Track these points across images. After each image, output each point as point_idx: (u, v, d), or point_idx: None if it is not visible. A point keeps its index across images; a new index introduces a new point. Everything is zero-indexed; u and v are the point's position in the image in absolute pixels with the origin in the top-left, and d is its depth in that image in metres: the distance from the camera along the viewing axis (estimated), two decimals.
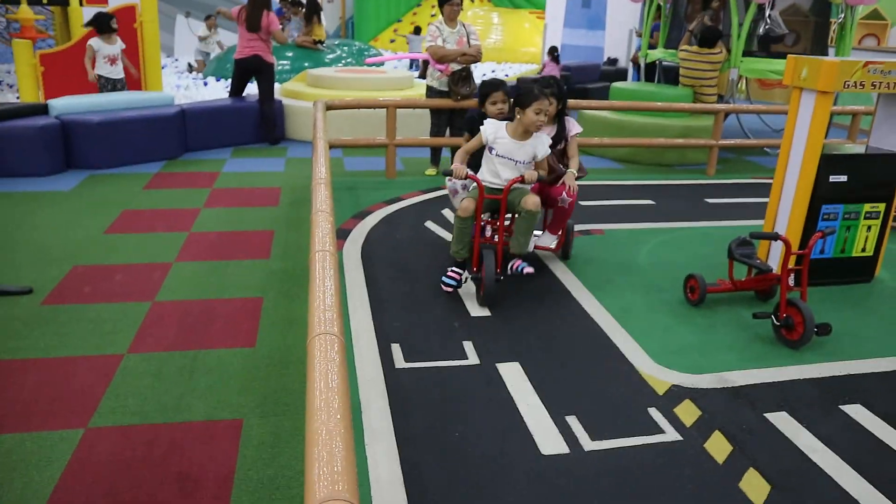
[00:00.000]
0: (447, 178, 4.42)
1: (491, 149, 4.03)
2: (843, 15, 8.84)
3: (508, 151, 4.00)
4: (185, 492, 2.38)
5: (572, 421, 2.88)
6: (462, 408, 2.94)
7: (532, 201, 3.96)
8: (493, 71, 13.99)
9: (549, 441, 2.74)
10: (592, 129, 8.27)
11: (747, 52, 8.57)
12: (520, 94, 3.90)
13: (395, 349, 3.41)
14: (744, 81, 11.69)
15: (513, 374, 3.22)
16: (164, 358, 3.30)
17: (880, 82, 4.25)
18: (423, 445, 2.67)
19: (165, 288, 4.11)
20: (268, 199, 6.03)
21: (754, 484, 2.56)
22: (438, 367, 3.26)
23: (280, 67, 11.78)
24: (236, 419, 2.82)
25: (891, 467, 2.71)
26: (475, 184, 4.06)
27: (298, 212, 5.66)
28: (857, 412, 3.08)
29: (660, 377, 3.27)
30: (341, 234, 5.08)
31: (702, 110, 7.78)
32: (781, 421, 2.97)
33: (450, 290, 4.07)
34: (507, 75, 13.27)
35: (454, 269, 4.08)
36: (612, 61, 15.15)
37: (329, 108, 6.46)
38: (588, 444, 2.73)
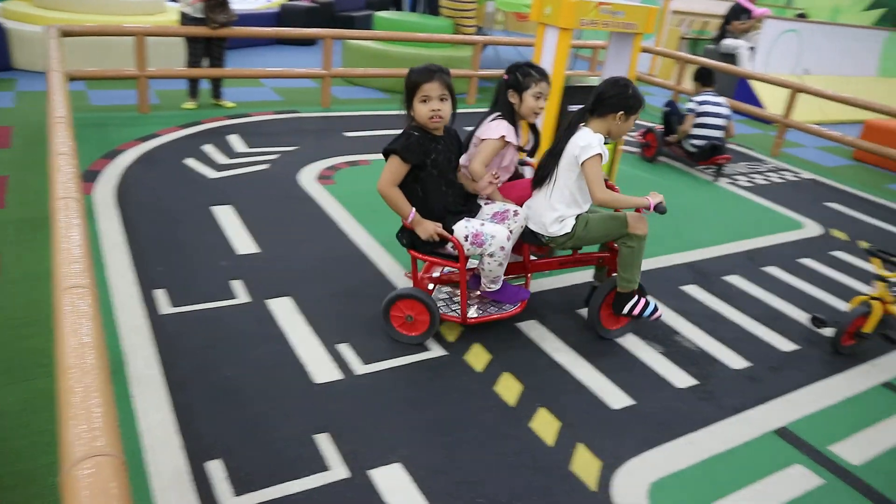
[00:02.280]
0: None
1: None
2: None
3: None
4: None
5: (344, 348, 3.01)
6: (234, 347, 2.94)
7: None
8: None
9: (321, 370, 2.85)
10: (356, 60, 8.27)
11: None
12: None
13: (160, 295, 3.28)
14: (501, 14, 12.30)
15: (284, 310, 3.26)
16: None
17: (609, 21, 4.73)
18: (196, 389, 2.65)
19: None
20: None
21: (508, 385, 2.89)
22: (207, 309, 3.20)
23: None
24: None
25: (617, 358, 3.20)
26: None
27: (36, 153, 5.07)
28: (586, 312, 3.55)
29: None
30: (90, 177, 4.67)
31: (462, 41, 8.09)
32: (532, 328, 3.36)
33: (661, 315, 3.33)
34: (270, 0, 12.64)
35: (640, 298, 3.25)
36: None
37: (66, 34, 5.77)
38: (360, 368, 2.89)
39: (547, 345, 3.23)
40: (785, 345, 3.53)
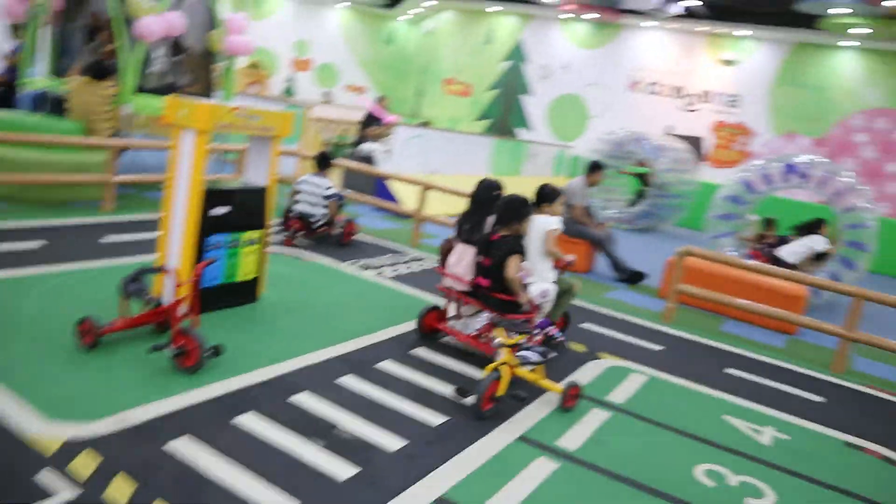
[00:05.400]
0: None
1: None
2: (225, 62, 9.75)
3: None
4: None
5: None
6: None
7: None
8: None
9: None
10: None
11: (143, 89, 8.68)
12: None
13: None
14: (143, 116, 11.80)
15: None
16: None
17: (246, 125, 4.82)
18: None
19: None
20: None
21: None
22: None
23: None
24: None
25: (277, 461, 3.11)
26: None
27: None
28: (250, 420, 3.43)
29: (52, 434, 3.04)
30: None
31: (95, 145, 7.53)
32: (184, 446, 3.10)
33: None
34: None
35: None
36: None
37: None
38: None
39: (202, 461, 3.01)
40: (436, 418, 3.79)
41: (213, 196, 4.67)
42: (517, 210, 4.58)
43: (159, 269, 3.91)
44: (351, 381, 4.07)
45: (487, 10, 18.35)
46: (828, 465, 4.10)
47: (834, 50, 14.53)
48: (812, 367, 6.03)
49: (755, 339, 6.70)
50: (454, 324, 4.92)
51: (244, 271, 4.98)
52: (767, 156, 12.89)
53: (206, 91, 9.98)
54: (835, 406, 5.13)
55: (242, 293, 5.02)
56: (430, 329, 5.00)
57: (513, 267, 4.43)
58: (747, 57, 15.48)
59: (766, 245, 9.11)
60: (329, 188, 7.36)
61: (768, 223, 9.26)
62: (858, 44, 14.06)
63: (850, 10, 11.65)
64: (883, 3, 10.49)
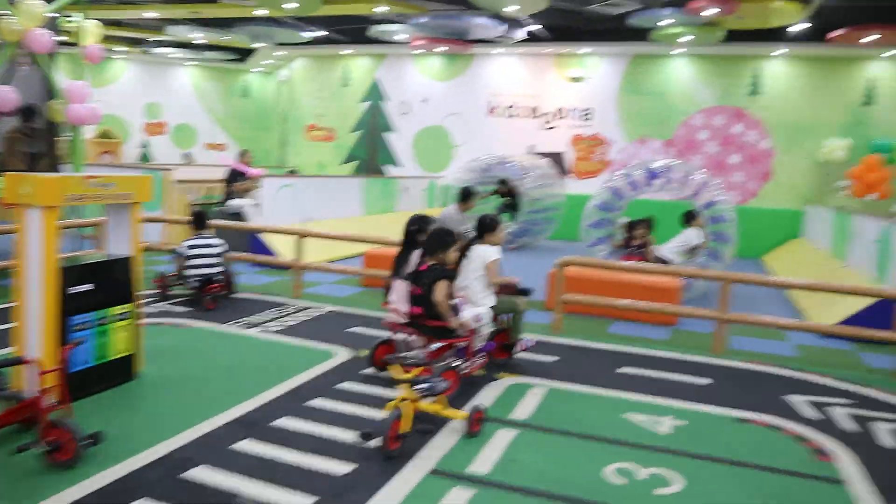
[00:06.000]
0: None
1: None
2: (70, 132, 9.19)
3: None
4: None
5: None
6: None
7: None
8: None
9: None
10: None
11: None
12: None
13: None
14: None
15: None
16: None
17: (101, 194, 4.54)
18: None
19: None
20: None
21: None
22: None
23: None
24: None
25: None
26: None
27: None
28: None
29: None
30: None
31: None
32: None
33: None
34: None
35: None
36: None
37: None
38: None
39: None
40: (343, 468, 3.66)
41: (72, 273, 4.35)
42: (442, 240, 4.91)
43: (17, 361, 3.57)
44: (248, 445, 3.87)
45: (340, 52, 18.45)
46: (725, 443, 4.30)
47: (668, 58, 15.67)
48: (695, 352, 6.35)
49: (641, 335, 7.00)
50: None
51: (116, 349, 4.65)
52: (625, 162, 13.66)
53: (53, 165, 9.37)
54: (721, 386, 5.41)
55: (118, 372, 4.67)
56: (383, 363, 5.10)
57: (440, 292, 4.69)
58: (592, 72, 16.38)
59: (634, 247, 9.56)
60: (220, 244, 7.45)
61: (632, 226, 9.70)
62: (687, 50, 15.24)
63: (674, 21, 12.58)
64: (702, 14, 11.39)
